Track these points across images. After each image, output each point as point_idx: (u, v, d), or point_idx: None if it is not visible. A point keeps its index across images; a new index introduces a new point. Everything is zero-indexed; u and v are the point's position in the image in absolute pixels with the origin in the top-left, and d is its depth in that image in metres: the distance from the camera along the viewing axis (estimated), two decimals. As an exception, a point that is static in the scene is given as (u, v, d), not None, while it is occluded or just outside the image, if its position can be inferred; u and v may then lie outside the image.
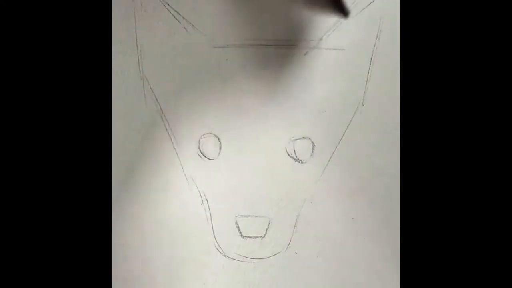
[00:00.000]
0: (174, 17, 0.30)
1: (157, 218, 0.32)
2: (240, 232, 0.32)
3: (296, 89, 0.30)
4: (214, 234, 0.32)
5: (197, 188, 0.32)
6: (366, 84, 0.30)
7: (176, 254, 0.32)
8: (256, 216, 0.32)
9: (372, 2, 0.29)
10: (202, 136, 0.31)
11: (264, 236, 0.32)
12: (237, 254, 0.32)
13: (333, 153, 0.31)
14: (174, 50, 0.30)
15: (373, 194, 0.31)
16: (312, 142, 0.31)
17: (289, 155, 0.31)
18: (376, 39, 0.29)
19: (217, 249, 0.32)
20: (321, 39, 0.29)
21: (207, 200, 0.32)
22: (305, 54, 0.29)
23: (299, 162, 0.31)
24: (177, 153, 0.31)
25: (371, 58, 0.29)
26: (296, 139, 0.31)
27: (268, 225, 0.32)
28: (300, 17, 0.29)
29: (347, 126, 0.30)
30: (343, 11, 0.27)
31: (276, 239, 0.32)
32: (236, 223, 0.32)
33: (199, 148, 0.31)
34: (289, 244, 0.32)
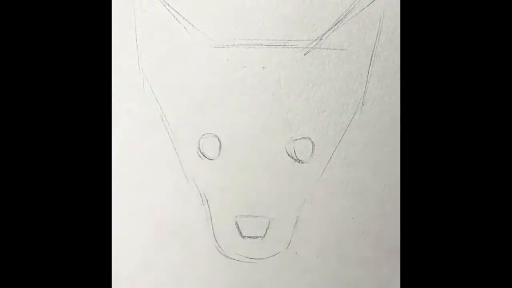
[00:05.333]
0: (174, 17, 0.30)
1: (157, 218, 0.32)
2: (240, 232, 0.32)
3: (296, 89, 0.30)
4: (214, 234, 0.32)
5: (197, 188, 0.32)
6: (366, 84, 0.30)
7: (176, 254, 0.32)
8: (256, 216, 0.32)
9: (372, 2, 0.29)
10: (202, 136, 0.31)
11: (264, 236, 0.32)
12: (237, 254, 0.32)
13: (333, 153, 0.31)
14: (174, 50, 0.30)
15: (373, 194, 0.31)
16: (312, 142, 0.31)
17: (289, 155, 0.31)
18: (376, 39, 0.29)
19: (217, 249, 0.32)
20: (321, 39, 0.29)
21: (207, 200, 0.32)
22: (305, 54, 0.29)
23: (299, 162, 0.31)
24: (177, 153, 0.31)
25: (371, 58, 0.29)
26: (296, 139, 0.31)
27: (268, 225, 0.32)
28: (299, 17, 0.29)
29: (347, 126, 0.30)
30: None
31: (276, 239, 0.32)
32: (236, 223, 0.32)
33: (199, 148, 0.31)
34: (289, 244, 0.32)
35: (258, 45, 0.29)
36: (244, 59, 0.30)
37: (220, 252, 0.32)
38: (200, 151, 0.31)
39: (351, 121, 0.30)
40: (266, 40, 0.29)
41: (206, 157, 0.31)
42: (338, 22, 0.29)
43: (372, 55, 0.29)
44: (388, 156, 0.30)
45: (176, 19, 0.30)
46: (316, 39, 0.29)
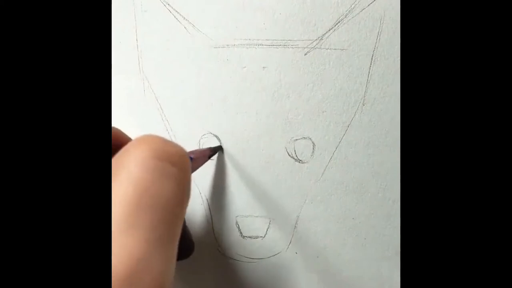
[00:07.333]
0: (175, 17, 0.30)
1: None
2: (240, 232, 0.32)
3: (296, 89, 0.30)
4: (214, 234, 0.32)
5: (197, 188, 0.32)
6: (367, 84, 0.30)
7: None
8: (256, 216, 0.32)
9: (372, 2, 0.28)
10: (202, 136, 0.31)
11: (264, 236, 0.32)
12: (237, 254, 0.32)
13: (333, 153, 0.31)
14: (174, 50, 0.30)
15: (373, 194, 0.31)
16: (312, 142, 0.31)
17: (289, 155, 0.31)
18: (376, 39, 0.29)
19: (217, 249, 0.32)
20: (321, 39, 0.29)
21: (207, 200, 0.32)
22: (305, 54, 0.29)
23: (299, 162, 0.31)
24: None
25: (372, 58, 0.29)
26: (296, 139, 0.31)
27: (268, 225, 0.32)
28: (300, 17, 0.29)
29: (348, 126, 0.30)
30: None
31: (276, 239, 0.32)
32: (236, 223, 0.32)
33: (199, 148, 0.31)
34: (289, 244, 0.32)
35: (258, 45, 0.29)
36: (244, 59, 0.30)
37: (220, 252, 0.32)
38: (200, 151, 0.31)
39: (351, 121, 0.30)
40: (266, 40, 0.29)
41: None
42: (339, 22, 0.29)
43: (372, 55, 0.29)
44: (388, 156, 0.30)
45: (176, 19, 0.30)
46: (316, 39, 0.29)
